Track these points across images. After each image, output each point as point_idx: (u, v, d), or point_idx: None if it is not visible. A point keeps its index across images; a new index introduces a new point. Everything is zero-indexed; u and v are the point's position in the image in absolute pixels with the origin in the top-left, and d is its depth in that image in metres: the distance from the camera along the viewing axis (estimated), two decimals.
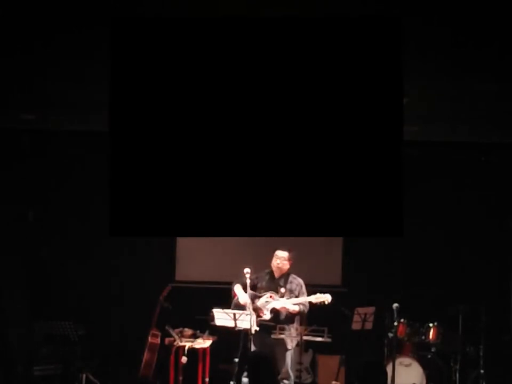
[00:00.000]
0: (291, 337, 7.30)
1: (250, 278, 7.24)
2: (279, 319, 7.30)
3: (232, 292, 7.42)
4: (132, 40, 4.60)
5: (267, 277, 7.48)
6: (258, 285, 7.44)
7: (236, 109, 4.62)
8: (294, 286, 7.41)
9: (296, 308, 7.27)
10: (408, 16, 4.77)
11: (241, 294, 7.33)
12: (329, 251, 9.23)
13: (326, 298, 7.23)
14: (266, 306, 7.28)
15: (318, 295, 7.25)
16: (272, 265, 7.48)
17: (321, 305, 7.24)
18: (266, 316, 7.25)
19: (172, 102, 4.63)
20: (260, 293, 7.38)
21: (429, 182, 9.25)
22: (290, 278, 7.45)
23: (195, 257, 9.35)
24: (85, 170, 9.04)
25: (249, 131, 4.62)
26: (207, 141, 4.64)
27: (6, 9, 4.92)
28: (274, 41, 4.60)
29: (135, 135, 4.65)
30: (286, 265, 7.44)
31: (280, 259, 7.43)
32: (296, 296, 7.36)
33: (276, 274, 7.46)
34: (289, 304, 7.26)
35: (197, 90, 4.62)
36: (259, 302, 7.31)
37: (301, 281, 7.47)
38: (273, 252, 7.51)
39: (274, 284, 7.43)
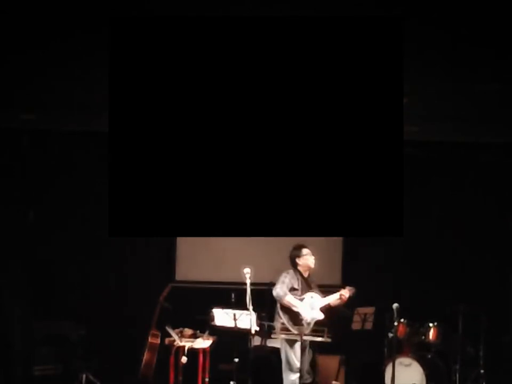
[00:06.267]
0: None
1: (287, 280, 7.22)
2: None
3: (287, 303, 7.16)
4: (131, 40, 4.61)
5: (299, 277, 7.34)
6: (295, 286, 7.27)
7: (236, 109, 4.62)
8: (315, 284, 7.44)
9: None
10: (408, 17, 4.77)
11: (303, 308, 7.17)
12: (329, 251, 9.22)
13: (352, 290, 7.34)
14: (315, 307, 7.22)
15: (346, 289, 7.34)
16: (303, 264, 7.36)
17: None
18: (320, 315, 7.19)
19: (171, 103, 4.63)
20: (295, 294, 7.24)
21: (429, 182, 9.25)
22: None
23: (195, 257, 9.34)
24: (84, 171, 9.04)
25: (249, 131, 4.63)
26: (207, 140, 4.64)
27: (6, 10, 4.92)
28: (274, 40, 4.60)
29: (134, 135, 4.65)
30: (314, 261, 7.46)
31: (310, 255, 7.39)
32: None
33: (305, 273, 7.39)
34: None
35: (197, 90, 4.62)
36: (304, 303, 7.20)
37: None
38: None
39: (308, 283, 7.37)
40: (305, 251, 7.38)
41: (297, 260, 7.38)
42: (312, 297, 7.23)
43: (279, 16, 4.63)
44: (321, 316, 7.16)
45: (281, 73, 4.61)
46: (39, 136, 9.02)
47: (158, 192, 4.67)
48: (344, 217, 4.72)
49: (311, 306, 7.19)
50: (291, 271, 7.35)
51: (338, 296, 7.29)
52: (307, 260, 7.38)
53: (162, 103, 4.63)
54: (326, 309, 7.28)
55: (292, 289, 7.24)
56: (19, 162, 8.95)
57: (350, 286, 7.40)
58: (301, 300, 7.20)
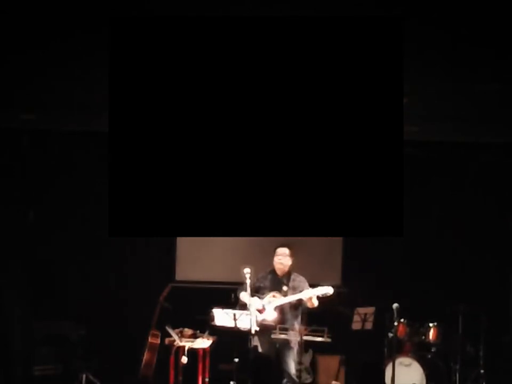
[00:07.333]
0: (295, 336, 7.24)
1: (251, 281, 7.23)
2: (285, 318, 7.27)
3: (241, 299, 7.29)
4: (131, 40, 4.61)
5: (269, 277, 7.41)
6: (262, 285, 7.35)
7: (236, 110, 4.62)
8: (297, 283, 7.36)
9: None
10: (408, 17, 4.77)
11: (243, 297, 7.26)
12: (329, 251, 9.23)
13: (328, 290, 7.11)
14: (269, 305, 7.23)
15: (319, 287, 7.15)
16: (274, 264, 7.42)
17: (325, 299, 7.15)
18: (270, 315, 7.20)
19: (171, 103, 4.63)
20: (263, 294, 7.30)
21: (429, 182, 9.25)
22: (293, 276, 7.40)
23: (195, 257, 9.34)
24: (84, 171, 9.05)
25: (249, 131, 4.63)
26: (207, 141, 4.64)
27: (6, 10, 4.92)
28: (274, 40, 4.60)
29: (134, 135, 4.65)
30: (288, 261, 7.38)
31: (282, 255, 7.38)
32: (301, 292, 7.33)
33: (279, 273, 7.41)
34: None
35: (197, 90, 4.62)
36: (263, 303, 7.26)
37: (303, 278, 7.43)
38: (274, 252, 7.49)
39: (277, 283, 7.36)
40: (277, 250, 7.42)
41: (274, 259, 7.45)
42: (272, 296, 7.25)
43: (279, 16, 4.63)
44: (270, 316, 7.15)
45: (281, 73, 4.61)
46: (39, 136, 9.02)
47: (158, 192, 4.67)
48: (344, 217, 4.71)
49: (265, 307, 7.21)
50: (267, 271, 7.43)
51: (297, 297, 7.18)
52: (275, 259, 7.42)
53: (162, 103, 4.63)
54: (296, 307, 7.24)
55: (260, 288, 7.32)
56: (19, 162, 8.95)
57: (327, 285, 7.15)
58: (262, 299, 7.26)
